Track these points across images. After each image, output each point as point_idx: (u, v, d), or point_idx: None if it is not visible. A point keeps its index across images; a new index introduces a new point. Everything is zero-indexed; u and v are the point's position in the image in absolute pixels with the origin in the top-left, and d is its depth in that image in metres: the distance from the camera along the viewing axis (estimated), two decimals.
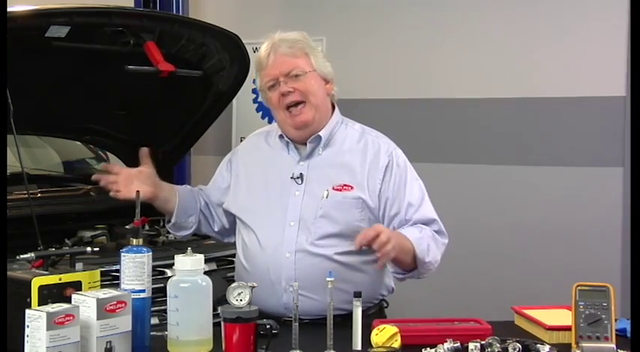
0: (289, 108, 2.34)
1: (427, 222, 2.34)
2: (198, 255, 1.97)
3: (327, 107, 2.41)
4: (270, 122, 4.75)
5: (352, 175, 2.35)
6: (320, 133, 2.38)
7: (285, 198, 2.36)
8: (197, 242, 3.31)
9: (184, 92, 3.71)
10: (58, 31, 3.09)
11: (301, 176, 2.36)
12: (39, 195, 3.43)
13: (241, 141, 4.76)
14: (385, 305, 2.48)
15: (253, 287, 1.94)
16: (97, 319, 1.80)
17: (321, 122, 2.38)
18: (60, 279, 1.90)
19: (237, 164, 2.53)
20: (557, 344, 2.01)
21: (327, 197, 2.29)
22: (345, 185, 2.33)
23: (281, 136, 2.43)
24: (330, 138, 2.40)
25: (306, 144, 2.39)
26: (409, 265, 2.30)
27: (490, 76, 4.20)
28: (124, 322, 1.86)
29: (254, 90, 4.87)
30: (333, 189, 2.32)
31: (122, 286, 1.95)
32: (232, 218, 2.53)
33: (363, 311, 2.06)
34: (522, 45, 4.13)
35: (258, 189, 2.41)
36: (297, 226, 2.32)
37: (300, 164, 2.39)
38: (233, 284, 1.93)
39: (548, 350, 1.94)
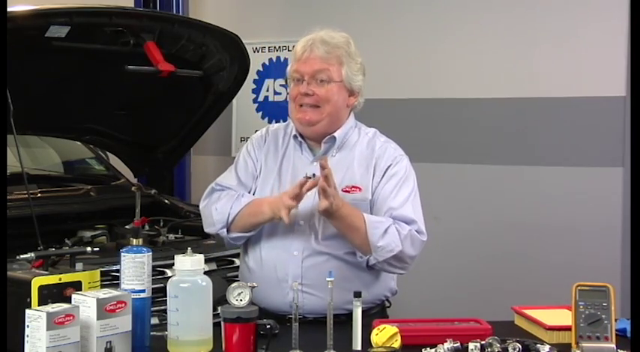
0: (301, 105, 2.36)
1: (406, 222, 2.31)
2: (198, 255, 1.96)
3: (341, 116, 2.41)
4: (270, 122, 4.76)
5: (360, 177, 2.36)
6: (335, 134, 2.39)
7: None
8: (197, 242, 3.31)
9: (184, 92, 3.71)
10: (58, 31, 3.09)
11: (314, 176, 2.36)
12: (39, 195, 3.43)
13: (241, 141, 4.84)
14: (388, 305, 2.48)
15: (253, 287, 1.94)
16: (97, 319, 1.80)
17: (330, 127, 2.38)
18: (60, 279, 1.90)
19: (257, 155, 2.49)
20: (557, 344, 2.01)
21: None
22: (354, 186, 2.35)
23: (295, 136, 2.44)
24: (344, 140, 2.41)
25: (319, 145, 2.40)
26: (362, 246, 2.27)
27: (490, 76, 4.20)
28: (124, 322, 1.86)
29: (254, 91, 4.88)
30: (342, 190, 2.32)
31: (122, 286, 1.95)
32: None
33: (365, 311, 2.06)
34: (522, 45, 4.12)
35: (271, 185, 2.41)
36: (307, 225, 2.32)
37: (313, 164, 2.39)
38: (233, 285, 1.93)
39: (548, 350, 1.94)
